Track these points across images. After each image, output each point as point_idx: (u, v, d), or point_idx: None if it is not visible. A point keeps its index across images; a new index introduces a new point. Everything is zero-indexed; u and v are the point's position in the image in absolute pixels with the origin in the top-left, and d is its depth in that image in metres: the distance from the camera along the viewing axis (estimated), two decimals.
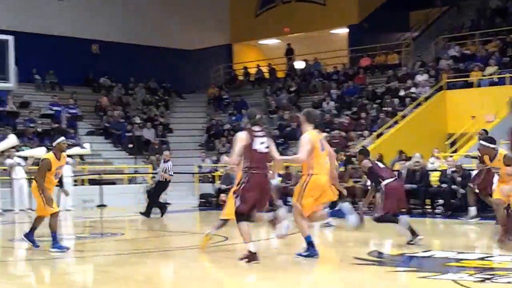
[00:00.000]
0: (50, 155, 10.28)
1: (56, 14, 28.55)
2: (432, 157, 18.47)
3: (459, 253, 9.20)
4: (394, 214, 10.32)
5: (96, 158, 24.78)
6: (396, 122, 22.96)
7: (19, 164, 19.15)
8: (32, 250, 10.28)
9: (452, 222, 14.76)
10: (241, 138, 8.53)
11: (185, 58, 31.93)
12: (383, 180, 10.43)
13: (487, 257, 8.94)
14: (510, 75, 22.58)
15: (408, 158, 18.22)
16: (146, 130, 27.00)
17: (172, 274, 8.63)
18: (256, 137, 8.51)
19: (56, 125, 25.00)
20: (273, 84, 30.26)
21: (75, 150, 20.80)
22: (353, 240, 10.91)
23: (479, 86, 23.44)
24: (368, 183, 13.79)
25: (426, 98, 23.65)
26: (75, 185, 21.35)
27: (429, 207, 16.41)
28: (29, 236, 10.57)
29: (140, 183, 23.27)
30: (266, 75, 32.05)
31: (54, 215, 10.26)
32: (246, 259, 8.49)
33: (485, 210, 14.04)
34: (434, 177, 16.78)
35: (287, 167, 18.73)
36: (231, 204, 9.29)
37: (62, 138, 10.46)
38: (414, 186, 16.34)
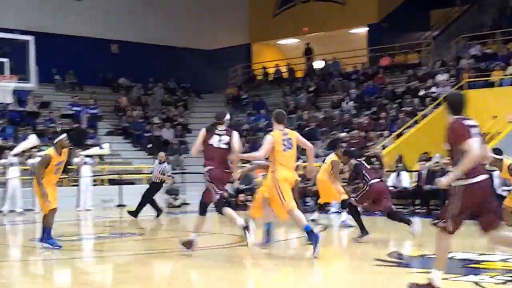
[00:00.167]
0: (51, 151, 10.38)
1: (75, 15, 28.71)
2: None
3: (480, 254, 9.11)
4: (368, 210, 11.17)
5: (116, 158, 24.89)
6: (416, 122, 22.80)
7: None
8: (53, 250, 10.31)
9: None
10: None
11: (204, 58, 31.97)
12: (369, 180, 10.92)
13: (509, 258, 8.83)
14: None
15: (429, 159, 18.12)
16: (165, 130, 27.07)
17: (191, 275, 8.62)
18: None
19: (76, 125, 25.14)
20: (292, 84, 30.21)
21: (94, 151, 20.97)
22: (372, 241, 10.84)
23: (500, 85, 23.21)
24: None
25: None
26: (95, 185, 21.46)
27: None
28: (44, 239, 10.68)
29: None
30: (285, 75, 32.00)
31: (52, 211, 10.36)
32: (184, 246, 9.49)
33: None
34: None
35: (304, 168, 18.66)
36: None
37: (64, 135, 10.62)
38: (434, 186, 16.22)
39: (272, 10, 33.37)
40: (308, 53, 32.36)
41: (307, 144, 9.60)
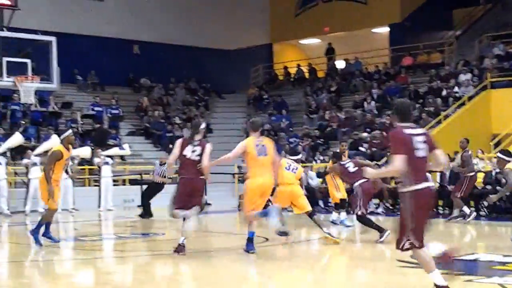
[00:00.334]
0: (61, 147, 10.48)
1: (97, 15, 28.84)
2: (476, 158, 18.13)
3: (504, 256, 9.00)
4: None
5: (137, 158, 24.95)
6: (439, 122, 22.61)
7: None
8: (75, 250, 10.35)
9: (497, 224, 14.49)
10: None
11: (225, 58, 31.96)
12: (357, 181, 11.21)
13: None
14: None
15: (452, 159, 17.91)
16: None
17: (212, 275, 8.58)
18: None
19: (98, 125, 25.24)
20: (313, 83, 30.11)
21: (114, 151, 21.11)
22: (394, 242, 10.70)
23: None
24: None
25: (470, 98, 23.24)
26: (116, 185, 21.52)
27: (473, 209, 16.11)
28: (46, 233, 10.85)
29: None
30: (307, 75, 31.90)
31: (54, 210, 10.61)
32: (176, 252, 9.58)
33: None
34: (478, 179, 16.45)
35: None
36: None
37: (70, 131, 10.84)
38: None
39: (294, 10, 33.29)
40: (330, 52, 32.23)
41: (275, 157, 9.72)
